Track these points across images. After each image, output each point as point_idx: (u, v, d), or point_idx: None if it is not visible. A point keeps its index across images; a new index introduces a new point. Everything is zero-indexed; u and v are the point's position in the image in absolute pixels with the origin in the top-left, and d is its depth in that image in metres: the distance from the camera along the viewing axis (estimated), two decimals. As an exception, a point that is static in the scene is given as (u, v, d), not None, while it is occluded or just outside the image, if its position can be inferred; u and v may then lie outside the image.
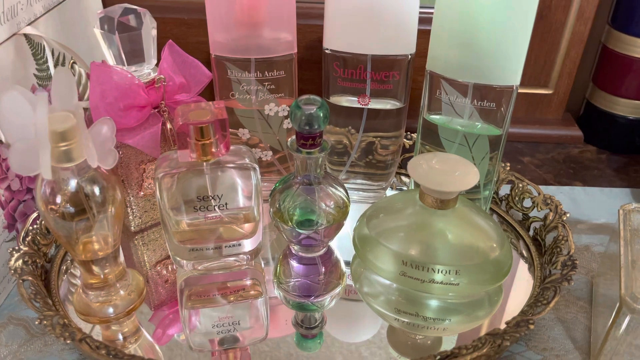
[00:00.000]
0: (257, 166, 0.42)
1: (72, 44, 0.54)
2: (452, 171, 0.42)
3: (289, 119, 0.52)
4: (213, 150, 0.40)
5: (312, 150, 0.42)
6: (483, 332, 0.43)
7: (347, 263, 0.49)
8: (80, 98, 0.56)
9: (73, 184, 0.37)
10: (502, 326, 0.39)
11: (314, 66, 0.66)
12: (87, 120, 0.44)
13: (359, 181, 0.56)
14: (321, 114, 0.40)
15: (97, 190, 0.38)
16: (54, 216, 0.37)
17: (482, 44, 0.43)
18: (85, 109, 0.51)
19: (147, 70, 0.45)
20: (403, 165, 0.61)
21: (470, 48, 0.43)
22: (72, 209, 0.37)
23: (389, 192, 0.58)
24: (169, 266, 0.50)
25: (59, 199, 0.37)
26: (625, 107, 0.66)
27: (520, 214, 0.52)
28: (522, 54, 0.42)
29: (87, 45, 0.58)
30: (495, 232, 0.44)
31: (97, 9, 0.60)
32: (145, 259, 0.50)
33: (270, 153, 0.54)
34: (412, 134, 0.60)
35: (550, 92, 0.69)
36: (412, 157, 0.60)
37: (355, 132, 0.53)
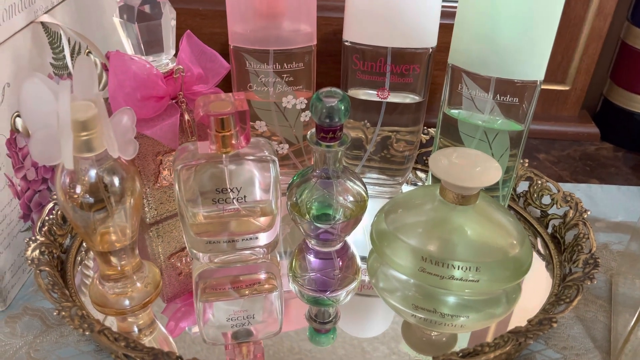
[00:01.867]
0: (276, 159, 0.42)
1: (88, 32, 0.54)
2: (473, 166, 0.42)
3: (306, 112, 0.52)
4: (233, 142, 0.39)
5: (332, 143, 0.41)
6: (492, 330, 0.43)
7: (363, 259, 0.49)
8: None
9: (92, 174, 0.36)
10: (521, 323, 0.38)
11: (329, 59, 0.65)
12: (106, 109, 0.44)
13: (374, 176, 0.56)
14: (342, 107, 0.40)
15: (116, 181, 0.37)
16: (73, 206, 0.37)
17: (505, 37, 0.42)
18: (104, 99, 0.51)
19: (165, 61, 0.45)
20: (419, 160, 0.60)
21: (494, 42, 0.42)
22: (91, 199, 0.37)
23: (405, 187, 0.58)
24: (184, 258, 0.50)
25: (78, 189, 0.36)
26: (644, 105, 0.65)
27: (539, 211, 0.52)
28: (547, 49, 0.42)
29: (102, 34, 0.57)
30: (515, 229, 0.44)
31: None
32: (160, 251, 0.50)
33: (286, 146, 0.54)
34: (430, 129, 0.60)
35: (567, 88, 0.68)
36: (428, 152, 0.60)
37: (370, 126, 0.52)
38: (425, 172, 0.60)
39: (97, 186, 0.37)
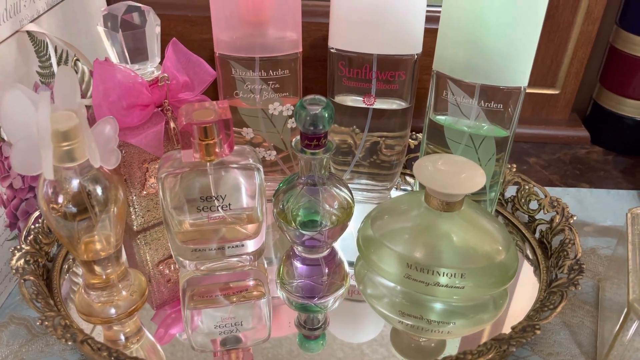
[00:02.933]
0: (261, 166, 0.42)
1: (75, 40, 0.54)
2: (458, 173, 0.42)
3: (293, 118, 0.52)
4: (217, 150, 0.39)
5: (316, 150, 0.41)
6: (487, 334, 0.43)
7: (351, 264, 0.49)
8: (84, 95, 0.56)
9: (75, 183, 0.36)
10: (508, 330, 0.38)
11: (318, 64, 0.66)
12: (91, 118, 0.44)
13: (363, 181, 0.56)
14: (326, 115, 0.40)
15: (99, 190, 0.37)
16: (56, 216, 0.37)
17: (489, 44, 0.42)
18: (88, 107, 0.51)
19: (150, 69, 0.45)
20: (408, 165, 0.60)
21: (478, 48, 0.42)
22: (74, 209, 0.37)
23: (394, 192, 0.58)
24: (171, 265, 0.50)
25: (61, 199, 0.36)
26: (633, 108, 0.65)
27: (526, 216, 0.52)
28: (531, 55, 0.42)
29: (89, 42, 0.57)
30: (501, 235, 0.44)
31: (100, 5, 0.60)
32: (148, 258, 0.50)
33: (274, 152, 0.54)
34: (417, 134, 0.60)
35: (557, 92, 0.68)
36: (417, 157, 0.60)
37: (359, 132, 0.52)
38: (414, 177, 0.60)
39: (80, 196, 0.37)
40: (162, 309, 0.46)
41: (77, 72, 0.54)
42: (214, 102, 0.40)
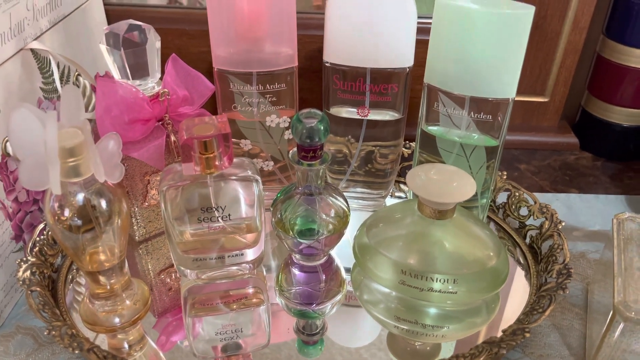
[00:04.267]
0: (259, 178, 0.43)
1: (77, 56, 0.55)
2: (449, 182, 0.43)
3: (290, 130, 0.53)
4: (216, 163, 0.41)
5: (313, 162, 0.43)
6: (481, 338, 0.44)
7: (348, 270, 0.50)
8: (85, 109, 0.57)
9: (80, 197, 0.38)
10: (499, 334, 0.40)
11: (313, 75, 0.67)
12: (93, 132, 0.45)
13: (358, 190, 0.58)
14: (322, 127, 0.41)
15: (103, 203, 0.39)
16: (62, 229, 0.38)
17: (478, 58, 0.44)
18: (90, 120, 0.52)
19: (151, 84, 0.46)
20: (402, 173, 0.62)
21: (467, 62, 0.44)
22: (79, 222, 0.38)
23: (388, 200, 0.59)
24: (173, 274, 0.51)
25: (67, 212, 0.38)
26: (620, 115, 0.67)
27: (517, 222, 0.53)
28: (518, 68, 0.44)
29: (91, 58, 0.59)
30: (492, 241, 0.45)
31: (101, 22, 0.61)
32: (150, 267, 0.51)
33: (271, 163, 0.55)
34: (411, 143, 0.61)
35: (546, 100, 0.70)
36: (411, 165, 0.62)
37: (355, 142, 0.54)
38: (405, 183, 0.61)
39: (85, 209, 0.38)
40: (163, 317, 0.47)
41: (79, 87, 0.56)
42: (214, 116, 0.42)
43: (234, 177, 0.43)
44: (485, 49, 0.43)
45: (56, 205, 0.37)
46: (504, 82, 0.44)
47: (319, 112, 0.42)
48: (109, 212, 0.39)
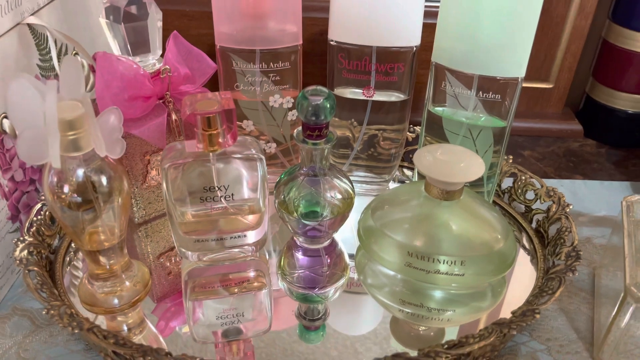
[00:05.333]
0: (263, 157, 0.42)
1: (74, 34, 0.54)
2: (457, 162, 0.42)
3: (293, 110, 0.52)
4: (220, 140, 0.40)
5: (318, 141, 0.42)
6: (483, 323, 0.44)
7: (351, 256, 0.50)
8: (83, 89, 0.56)
9: (80, 173, 0.37)
10: (508, 316, 0.39)
11: (316, 59, 0.66)
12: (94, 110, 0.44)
13: (361, 174, 0.57)
14: (328, 105, 0.40)
15: (104, 180, 0.38)
16: (61, 206, 0.37)
17: (487, 35, 0.43)
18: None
19: (152, 61, 0.45)
20: (406, 158, 0.61)
21: (475, 40, 0.43)
22: (79, 199, 0.37)
23: (391, 185, 0.58)
24: (172, 258, 0.50)
25: (66, 189, 0.37)
26: (625, 101, 0.67)
27: (523, 206, 0.53)
28: (528, 46, 0.43)
29: (89, 36, 0.57)
30: (499, 224, 0.44)
31: (100, 1, 0.60)
32: (149, 250, 0.50)
33: (274, 145, 0.54)
34: (415, 127, 0.60)
35: (550, 86, 0.69)
36: (415, 150, 0.61)
37: (357, 125, 0.53)
38: (412, 169, 0.61)
39: (85, 186, 0.37)
40: (163, 301, 0.46)
41: (76, 66, 0.55)
42: (217, 92, 0.40)
43: (237, 156, 0.42)
44: (495, 26, 0.42)
45: (55, 179, 0.36)
46: (513, 61, 0.43)
47: (324, 89, 0.41)
48: (110, 189, 0.38)
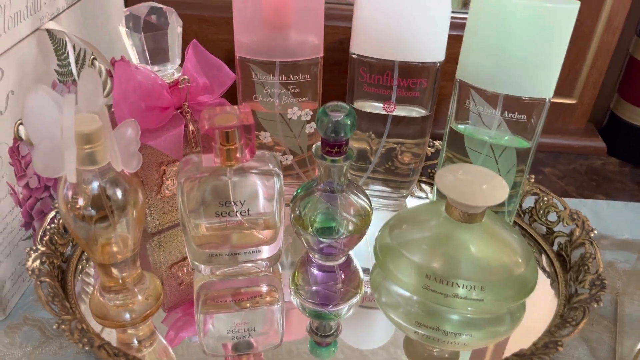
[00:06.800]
0: (280, 172, 0.41)
1: (93, 38, 0.53)
2: (480, 184, 0.41)
3: (311, 123, 0.51)
4: (237, 155, 0.39)
5: (337, 158, 0.41)
6: (503, 347, 0.43)
7: (365, 270, 0.49)
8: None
9: (95, 186, 0.36)
10: (527, 345, 0.38)
11: (335, 68, 0.65)
12: (110, 118, 0.44)
13: (378, 187, 0.56)
14: (348, 122, 0.39)
15: (119, 193, 0.37)
16: (75, 217, 0.36)
17: (515, 54, 0.41)
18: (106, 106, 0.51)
19: (170, 70, 0.45)
20: (424, 172, 0.60)
21: (503, 58, 0.42)
22: (93, 212, 0.36)
23: (408, 200, 0.57)
24: (185, 268, 0.49)
25: (80, 201, 0.36)
26: (651, 120, 0.65)
27: (544, 227, 0.51)
28: (557, 66, 0.41)
29: (107, 40, 0.57)
30: (520, 247, 0.43)
31: (119, 4, 0.59)
32: (162, 260, 0.50)
33: (290, 157, 0.53)
34: (435, 141, 0.59)
35: (574, 101, 0.67)
36: (434, 165, 0.60)
37: (376, 138, 0.52)
38: (430, 184, 0.60)
39: (100, 198, 0.36)
40: (173, 311, 0.45)
41: (93, 71, 0.54)
42: (235, 106, 0.40)
43: (255, 171, 0.41)
44: (523, 45, 0.41)
45: (70, 193, 0.36)
46: (541, 81, 0.42)
47: (346, 105, 0.40)
48: (124, 202, 0.37)
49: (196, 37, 0.67)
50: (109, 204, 0.37)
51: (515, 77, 0.42)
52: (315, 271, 0.47)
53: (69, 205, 0.36)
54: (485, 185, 0.41)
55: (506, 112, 0.44)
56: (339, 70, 0.62)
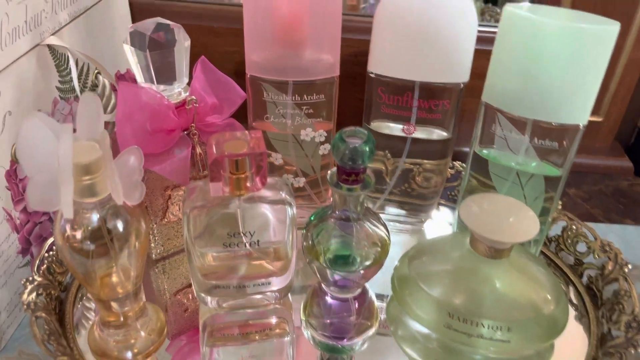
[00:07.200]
0: (293, 201, 0.39)
1: (97, 52, 0.51)
2: (508, 217, 0.38)
3: (325, 144, 0.48)
4: (248, 184, 0.36)
5: (353, 186, 0.38)
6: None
7: (379, 296, 0.46)
8: (104, 110, 0.53)
9: (95, 218, 0.33)
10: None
11: (347, 81, 0.62)
12: (111, 138, 0.41)
13: (394, 211, 0.53)
14: (367, 149, 0.37)
15: (120, 225, 0.34)
16: (72, 252, 0.34)
17: (547, 77, 0.38)
18: (109, 123, 0.48)
19: (177, 90, 0.42)
20: (443, 195, 0.57)
21: (534, 81, 0.39)
22: (92, 246, 0.34)
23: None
24: (190, 295, 0.47)
25: (78, 234, 0.33)
26: (682, 140, 0.62)
27: (573, 257, 0.48)
28: (594, 91, 0.38)
29: (112, 54, 0.54)
30: (550, 283, 0.40)
31: (125, 15, 0.57)
32: (165, 287, 0.47)
33: (302, 179, 0.50)
34: (456, 163, 0.56)
35: (600, 119, 0.64)
36: (454, 187, 0.57)
37: (391, 157, 0.49)
38: (449, 207, 0.57)
39: (100, 231, 0.34)
40: (177, 339, 0.43)
41: (97, 86, 0.52)
42: (246, 131, 0.37)
43: (266, 200, 0.38)
44: (557, 67, 0.38)
45: (67, 226, 0.33)
46: (576, 107, 0.39)
47: (364, 131, 0.37)
48: (126, 234, 0.35)
49: (204, 49, 0.64)
50: (109, 237, 0.34)
51: (546, 102, 0.39)
52: (328, 301, 0.44)
53: (66, 239, 0.33)
54: (513, 218, 0.38)
55: (536, 138, 0.41)
56: (353, 84, 0.59)
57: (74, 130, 0.31)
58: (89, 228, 0.33)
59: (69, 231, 0.33)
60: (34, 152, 0.30)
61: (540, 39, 0.37)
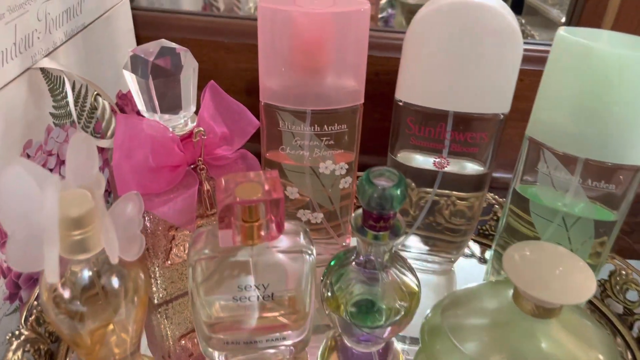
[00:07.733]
0: (313, 249, 0.34)
1: (97, 70, 0.47)
2: (562, 272, 0.33)
3: (346, 178, 0.44)
4: (262, 233, 0.32)
5: (380, 233, 0.34)
6: None
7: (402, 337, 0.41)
8: (103, 135, 0.49)
9: (86, 276, 0.29)
10: None
11: (367, 101, 0.57)
12: (108, 168, 0.37)
13: (419, 246, 0.48)
14: (398, 193, 0.32)
15: (115, 282, 0.30)
16: (59, 314, 0.29)
17: (603, 112, 0.34)
18: (107, 149, 0.44)
19: (183, 120, 0.37)
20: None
21: (587, 116, 0.34)
22: (83, 308, 0.29)
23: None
24: (194, 339, 0.42)
25: (67, 294, 0.29)
26: None
27: (622, 306, 0.43)
28: (659, 129, 0.33)
29: (113, 72, 0.50)
30: (604, 346, 0.35)
31: (128, 30, 0.53)
32: (168, 333, 0.43)
33: (320, 215, 0.46)
34: (489, 195, 0.51)
35: None
36: (486, 220, 0.52)
37: (416, 187, 0.44)
38: (480, 243, 0.52)
39: (91, 288, 0.29)
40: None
41: (97, 109, 0.47)
42: (261, 172, 0.32)
43: (281, 249, 0.34)
44: (615, 101, 0.33)
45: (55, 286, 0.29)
46: (635, 145, 0.34)
47: (394, 172, 0.33)
48: (123, 291, 0.30)
49: (214, 66, 0.60)
50: (104, 295, 0.30)
51: (603, 140, 0.34)
52: (348, 353, 0.40)
53: (53, 298, 0.29)
54: (566, 273, 0.33)
55: (590, 180, 0.36)
56: (374, 105, 0.54)
57: (62, 177, 0.27)
58: (79, 287, 0.29)
59: (55, 290, 0.29)
60: (14, 206, 0.26)
61: (595, 69, 0.33)
